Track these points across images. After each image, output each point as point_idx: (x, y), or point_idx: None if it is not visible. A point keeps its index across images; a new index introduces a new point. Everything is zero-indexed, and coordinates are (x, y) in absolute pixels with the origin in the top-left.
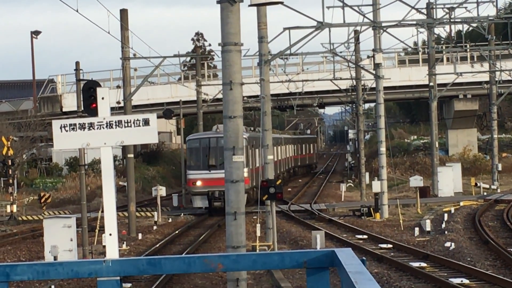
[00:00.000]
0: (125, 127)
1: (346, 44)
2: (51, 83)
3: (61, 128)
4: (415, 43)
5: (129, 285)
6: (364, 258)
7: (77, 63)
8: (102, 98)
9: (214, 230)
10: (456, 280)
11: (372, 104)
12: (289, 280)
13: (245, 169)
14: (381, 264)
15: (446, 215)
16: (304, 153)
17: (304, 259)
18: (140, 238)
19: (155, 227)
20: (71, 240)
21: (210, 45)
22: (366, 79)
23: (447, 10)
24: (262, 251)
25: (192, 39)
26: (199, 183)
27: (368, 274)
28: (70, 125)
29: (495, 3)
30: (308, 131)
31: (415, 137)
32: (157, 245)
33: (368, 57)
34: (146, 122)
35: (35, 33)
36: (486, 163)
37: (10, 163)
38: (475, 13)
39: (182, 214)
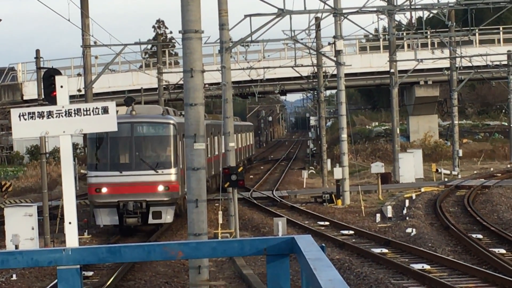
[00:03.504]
0: (84, 115)
1: (307, 31)
2: (11, 71)
3: (19, 116)
4: (376, 30)
5: (91, 273)
6: (323, 244)
7: (37, 51)
8: (61, 87)
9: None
10: (417, 266)
11: (334, 91)
12: (251, 267)
13: (172, 170)
14: (343, 251)
15: (407, 201)
16: (237, 146)
17: (264, 246)
18: (102, 226)
19: None
20: (33, 228)
21: (171, 32)
22: (327, 66)
23: None
24: (224, 239)
25: (153, 27)
26: (104, 189)
27: (327, 261)
28: (29, 113)
29: None
30: (270, 118)
31: (377, 123)
32: (120, 233)
33: (329, 44)
34: (105, 110)
35: None
36: (447, 149)
37: None
38: None
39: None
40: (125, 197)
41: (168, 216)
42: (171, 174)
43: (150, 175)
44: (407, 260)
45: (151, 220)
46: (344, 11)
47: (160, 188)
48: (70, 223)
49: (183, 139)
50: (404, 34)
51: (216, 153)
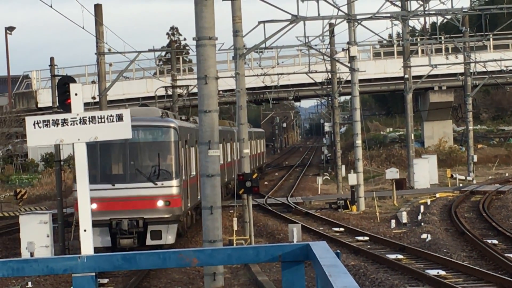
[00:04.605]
0: (98, 123)
1: (321, 37)
2: (26, 79)
3: (34, 124)
4: (390, 36)
5: (106, 280)
6: (338, 251)
7: (52, 59)
8: (76, 94)
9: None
10: (432, 272)
11: (348, 97)
12: (266, 274)
13: (174, 182)
14: (358, 257)
15: (422, 207)
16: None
17: (279, 253)
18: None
19: None
20: (48, 236)
21: (185, 39)
22: (341, 72)
23: (421, 2)
24: (239, 245)
25: (167, 34)
26: (94, 206)
27: (342, 267)
28: (44, 121)
29: None
30: (284, 125)
31: (391, 129)
32: None
33: (343, 50)
34: (120, 118)
35: (9, 29)
36: (462, 155)
37: None
38: (449, 5)
39: None
40: (118, 214)
41: (169, 236)
42: (173, 187)
43: (148, 188)
44: (422, 266)
45: (149, 241)
46: (358, 17)
47: (160, 203)
48: (85, 230)
49: (185, 146)
50: (418, 39)
51: (222, 161)
